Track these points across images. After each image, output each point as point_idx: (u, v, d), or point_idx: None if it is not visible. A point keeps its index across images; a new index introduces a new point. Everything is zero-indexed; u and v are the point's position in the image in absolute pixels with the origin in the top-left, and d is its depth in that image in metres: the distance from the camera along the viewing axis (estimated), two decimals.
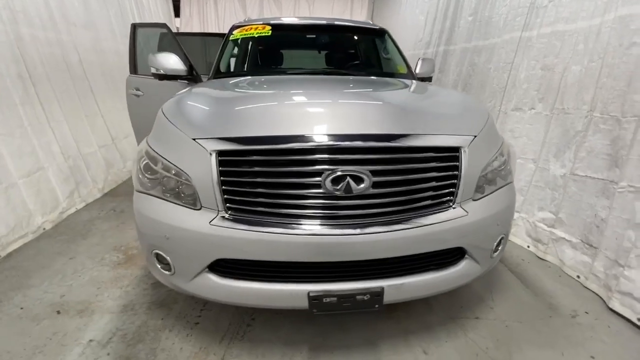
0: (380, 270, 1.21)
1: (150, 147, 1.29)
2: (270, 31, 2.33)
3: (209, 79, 2.15)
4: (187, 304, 1.70)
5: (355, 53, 2.61)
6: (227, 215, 1.15)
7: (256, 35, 2.34)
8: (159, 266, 1.29)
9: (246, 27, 2.38)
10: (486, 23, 3.02)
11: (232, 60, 2.39)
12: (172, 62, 2.08)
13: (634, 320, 1.61)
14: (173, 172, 1.19)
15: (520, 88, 2.50)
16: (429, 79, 2.42)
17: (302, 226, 1.12)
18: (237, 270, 1.19)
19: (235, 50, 2.38)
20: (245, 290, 1.19)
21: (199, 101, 1.55)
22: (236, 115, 1.31)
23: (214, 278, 1.20)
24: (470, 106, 1.56)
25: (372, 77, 2.20)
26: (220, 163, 1.13)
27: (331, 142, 1.11)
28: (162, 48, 2.79)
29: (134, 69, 2.98)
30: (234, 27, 2.41)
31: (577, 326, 1.61)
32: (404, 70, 2.36)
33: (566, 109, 2.12)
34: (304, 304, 1.17)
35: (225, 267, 1.20)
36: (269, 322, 1.59)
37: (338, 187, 1.10)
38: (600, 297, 1.80)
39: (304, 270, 1.18)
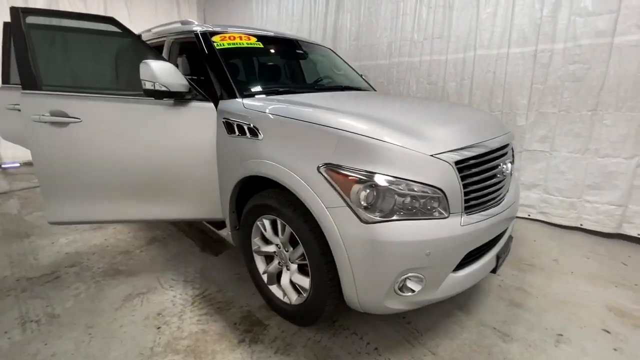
0: None
1: (382, 174, 1.24)
2: (260, 43, 2.21)
3: (224, 96, 1.84)
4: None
5: (326, 69, 2.83)
6: (466, 214, 1.37)
7: (246, 46, 2.14)
8: (405, 293, 1.31)
9: (227, 36, 2.13)
10: (370, 48, 3.97)
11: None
12: (176, 76, 1.65)
13: None
14: (419, 189, 1.26)
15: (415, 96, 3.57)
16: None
17: (499, 206, 1.53)
18: (465, 259, 1.41)
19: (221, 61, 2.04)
20: (470, 273, 1.43)
21: (399, 118, 1.55)
22: (449, 129, 1.50)
23: (456, 274, 1.39)
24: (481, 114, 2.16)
25: (373, 92, 2.61)
26: (458, 170, 1.33)
27: (497, 144, 1.55)
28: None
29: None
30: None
31: None
32: (366, 84, 2.84)
33: None
34: (492, 265, 1.55)
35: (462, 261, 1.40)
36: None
37: (503, 173, 1.55)
38: None
39: (493, 240, 1.56)
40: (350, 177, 1.26)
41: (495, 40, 3.04)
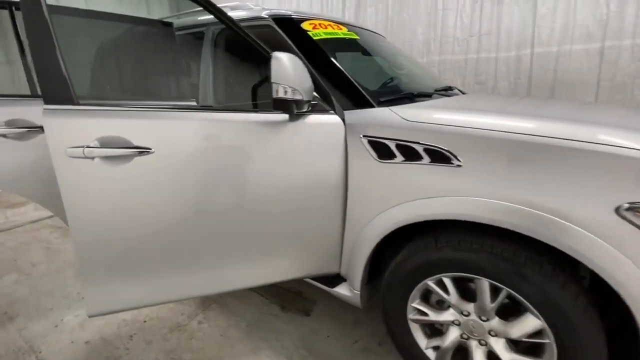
0: None
1: None
2: (354, 34, 1.68)
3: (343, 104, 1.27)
4: None
5: (403, 66, 2.35)
6: None
7: (343, 37, 1.61)
8: None
9: (316, 23, 1.58)
10: (402, 45, 3.57)
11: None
12: (306, 76, 1.08)
13: None
14: None
15: None
16: None
17: None
18: None
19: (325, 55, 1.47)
20: None
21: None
22: None
23: None
24: None
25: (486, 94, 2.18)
26: None
27: None
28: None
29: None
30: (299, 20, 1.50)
31: None
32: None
33: None
34: None
35: None
36: None
37: None
38: None
39: None
40: None
41: (555, 37, 2.87)
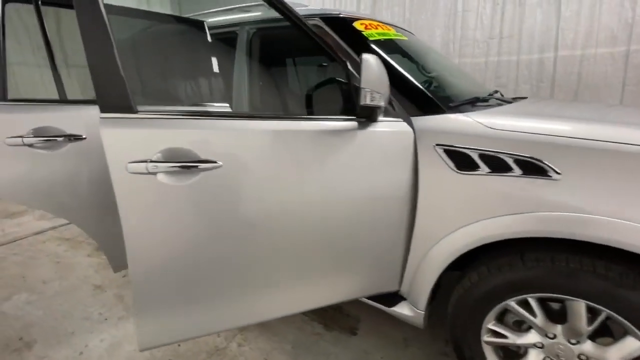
0: None
1: None
2: (402, 35, 1.59)
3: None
4: None
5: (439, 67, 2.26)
6: None
7: (395, 38, 1.51)
8: None
9: (367, 23, 1.48)
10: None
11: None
12: (385, 79, 0.99)
13: None
14: None
15: None
16: None
17: None
18: None
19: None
20: None
21: None
22: None
23: None
24: None
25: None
26: None
27: None
28: None
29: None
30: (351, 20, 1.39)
31: None
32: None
33: None
34: None
35: None
36: None
37: None
38: None
39: None
40: None
41: (579, 40, 2.85)
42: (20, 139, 1.20)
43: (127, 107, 0.88)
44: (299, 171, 1.05)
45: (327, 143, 1.07)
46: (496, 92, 1.87)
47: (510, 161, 1.04)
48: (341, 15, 1.47)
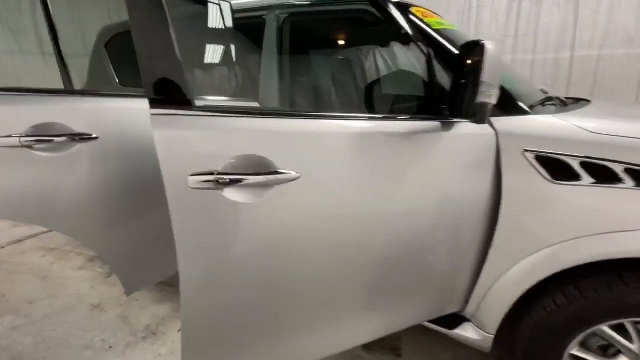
0: None
1: None
2: (452, 25, 1.43)
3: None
4: None
5: None
6: None
7: (450, 28, 1.35)
8: None
9: (421, 10, 1.31)
10: None
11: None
12: None
13: None
14: None
15: None
16: None
17: None
18: None
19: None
20: None
21: None
22: None
23: None
24: None
25: None
26: None
27: None
28: None
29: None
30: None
31: None
32: None
33: None
34: None
35: None
36: None
37: None
38: None
39: None
40: None
41: (596, 41, 2.82)
42: (17, 139, 0.95)
43: (183, 100, 0.67)
44: (388, 181, 0.87)
45: (416, 146, 0.90)
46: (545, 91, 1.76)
47: (619, 170, 0.92)
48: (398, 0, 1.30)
